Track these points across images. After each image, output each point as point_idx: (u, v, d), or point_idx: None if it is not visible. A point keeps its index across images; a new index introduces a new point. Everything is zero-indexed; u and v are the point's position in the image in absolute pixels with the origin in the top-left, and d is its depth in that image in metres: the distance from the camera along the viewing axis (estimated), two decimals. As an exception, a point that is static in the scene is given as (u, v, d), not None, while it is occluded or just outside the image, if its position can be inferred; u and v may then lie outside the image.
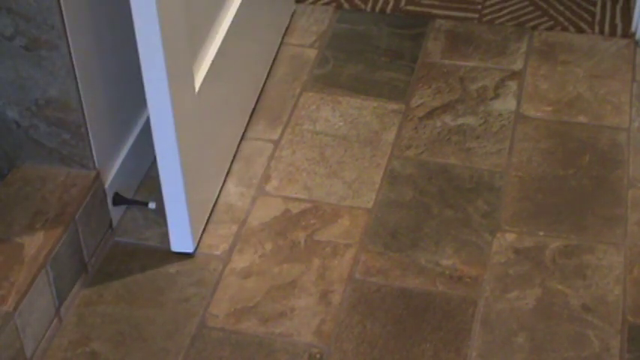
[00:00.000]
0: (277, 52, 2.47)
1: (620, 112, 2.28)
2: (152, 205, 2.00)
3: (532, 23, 2.57)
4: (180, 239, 1.95)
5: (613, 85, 2.36)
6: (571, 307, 1.85)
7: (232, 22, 2.06)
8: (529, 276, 1.91)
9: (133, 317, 1.85)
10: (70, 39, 1.74)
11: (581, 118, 2.27)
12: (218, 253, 1.98)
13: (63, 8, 1.70)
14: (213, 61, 1.96)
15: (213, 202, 2.07)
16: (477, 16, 2.60)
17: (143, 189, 2.10)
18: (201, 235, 2.00)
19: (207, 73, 1.94)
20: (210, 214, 2.04)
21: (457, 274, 1.92)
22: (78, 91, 1.79)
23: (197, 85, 1.89)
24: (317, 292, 1.89)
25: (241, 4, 2.11)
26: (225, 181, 2.13)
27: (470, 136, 2.23)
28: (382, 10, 2.62)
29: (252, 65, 2.31)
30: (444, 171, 2.14)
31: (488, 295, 1.88)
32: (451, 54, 2.47)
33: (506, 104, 2.31)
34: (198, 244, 1.98)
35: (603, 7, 2.63)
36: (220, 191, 2.10)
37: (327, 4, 2.64)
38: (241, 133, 2.23)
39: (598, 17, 2.59)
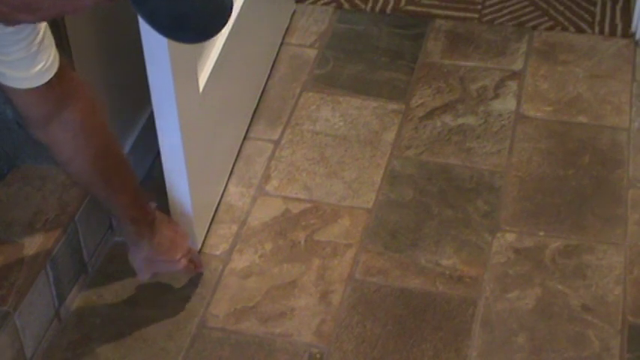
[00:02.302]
0: (278, 52, 2.47)
1: (620, 112, 2.28)
2: (152, 205, 2.00)
3: (532, 23, 2.57)
4: (185, 240, 1.95)
5: (613, 85, 2.36)
6: (571, 307, 1.85)
7: (234, 21, 2.06)
8: (529, 276, 1.91)
9: (133, 317, 1.85)
10: (70, 39, 1.73)
11: (581, 118, 2.27)
12: (218, 253, 1.98)
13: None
14: (216, 61, 1.96)
15: (217, 202, 2.07)
16: (477, 16, 2.60)
17: (143, 189, 2.10)
18: (205, 235, 2.00)
19: (211, 73, 1.94)
20: (214, 215, 2.04)
21: (457, 274, 1.92)
22: (78, 91, 1.79)
23: (201, 85, 1.89)
24: (317, 292, 1.89)
25: (243, 4, 2.11)
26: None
27: (470, 136, 2.23)
28: (382, 10, 2.62)
29: (254, 65, 2.31)
30: (444, 171, 2.14)
31: (488, 295, 1.88)
32: (451, 54, 2.47)
33: (506, 104, 2.31)
34: (202, 245, 1.98)
35: (603, 7, 2.63)
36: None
37: (327, 4, 2.64)
38: (244, 134, 2.23)
39: (598, 17, 2.59)
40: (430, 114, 2.29)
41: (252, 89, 2.31)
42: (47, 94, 1.42)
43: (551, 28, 2.55)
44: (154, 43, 1.66)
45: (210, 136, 1.98)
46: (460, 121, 2.27)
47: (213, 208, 2.05)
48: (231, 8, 1.14)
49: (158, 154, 1.86)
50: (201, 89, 1.89)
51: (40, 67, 1.37)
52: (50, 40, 1.39)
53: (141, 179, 2.11)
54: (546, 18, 2.59)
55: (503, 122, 2.26)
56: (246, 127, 2.25)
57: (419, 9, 2.63)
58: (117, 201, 1.66)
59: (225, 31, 2.03)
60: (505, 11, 2.62)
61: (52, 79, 1.40)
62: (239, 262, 1.96)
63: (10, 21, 1.17)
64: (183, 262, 1.78)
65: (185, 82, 1.79)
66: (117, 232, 2.01)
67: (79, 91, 1.50)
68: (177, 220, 1.91)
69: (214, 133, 2.01)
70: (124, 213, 1.68)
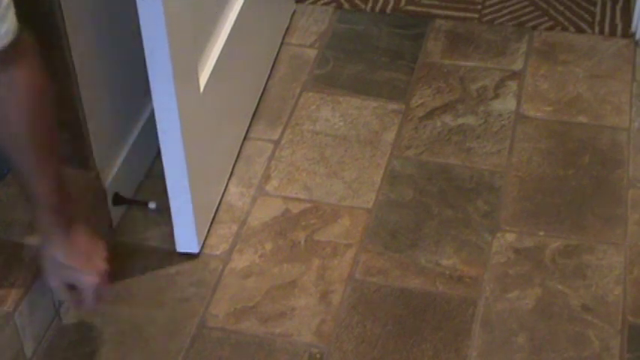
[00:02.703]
0: (278, 52, 2.47)
1: (620, 112, 2.28)
2: (152, 205, 2.00)
3: (532, 23, 2.57)
4: (186, 240, 1.95)
5: (613, 85, 2.36)
6: (571, 307, 1.85)
7: (235, 22, 2.06)
8: (529, 276, 1.91)
9: (133, 317, 1.85)
10: (70, 38, 1.73)
11: (581, 118, 2.27)
12: (218, 253, 1.98)
13: (63, 8, 1.70)
14: (217, 61, 1.96)
15: (217, 202, 2.07)
16: (477, 16, 2.60)
17: (143, 189, 2.10)
18: (206, 235, 2.00)
19: (212, 73, 1.94)
20: (214, 215, 2.04)
21: (457, 274, 1.92)
22: (78, 91, 1.79)
23: (202, 85, 1.89)
24: (317, 292, 1.89)
25: (243, 4, 2.12)
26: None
27: (470, 136, 2.23)
28: (382, 10, 2.62)
29: (254, 65, 2.31)
30: (444, 171, 2.14)
31: (488, 295, 1.88)
32: (451, 54, 2.47)
33: (506, 104, 2.31)
34: (202, 245, 1.98)
35: (603, 7, 2.63)
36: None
37: (327, 4, 2.64)
38: (244, 134, 2.23)
39: (598, 17, 2.59)
40: (430, 114, 2.29)
41: (252, 89, 2.31)
42: None
43: (551, 28, 2.55)
44: (155, 43, 1.66)
45: (211, 136, 1.98)
46: (460, 121, 2.27)
47: (214, 208, 2.05)
48: None
49: (158, 154, 1.86)
50: (201, 89, 1.89)
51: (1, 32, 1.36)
52: (10, 4, 1.37)
53: (141, 179, 2.12)
54: (546, 18, 2.59)
55: (503, 122, 2.26)
56: (246, 127, 2.25)
57: (419, 9, 2.63)
58: (41, 180, 1.55)
59: (225, 32, 2.03)
60: (505, 11, 2.62)
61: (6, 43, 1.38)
62: (239, 262, 1.96)
63: None
64: (93, 279, 1.64)
65: (185, 82, 1.79)
66: (117, 231, 2.01)
67: (30, 56, 1.46)
68: (177, 220, 1.91)
69: (214, 133, 2.01)
70: (45, 199, 1.57)
